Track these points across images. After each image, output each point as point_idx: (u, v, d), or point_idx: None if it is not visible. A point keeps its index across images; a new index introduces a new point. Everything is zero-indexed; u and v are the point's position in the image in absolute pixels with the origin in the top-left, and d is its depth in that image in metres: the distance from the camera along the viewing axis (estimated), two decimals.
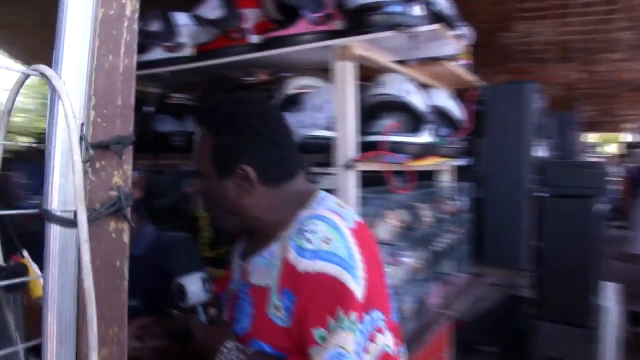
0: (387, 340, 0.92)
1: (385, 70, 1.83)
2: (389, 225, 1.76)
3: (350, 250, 0.91)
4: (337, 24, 1.72)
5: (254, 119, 1.01)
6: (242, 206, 1.02)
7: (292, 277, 0.92)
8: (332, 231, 0.92)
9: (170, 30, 2.08)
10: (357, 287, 0.89)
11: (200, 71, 2.02)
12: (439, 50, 1.87)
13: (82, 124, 0.64)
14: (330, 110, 1.66)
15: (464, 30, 2.16)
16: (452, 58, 1.99)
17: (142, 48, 2.18)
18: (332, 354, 0.86)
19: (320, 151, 1.68)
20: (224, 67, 1.95)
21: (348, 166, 1.58)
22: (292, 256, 0.92)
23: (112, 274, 0.69)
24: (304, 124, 1.65)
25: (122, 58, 0.70)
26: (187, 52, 2.06)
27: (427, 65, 1.99)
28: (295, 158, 1.07)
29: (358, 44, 1.60)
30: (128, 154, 0.71)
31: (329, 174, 1.63)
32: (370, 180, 1.79)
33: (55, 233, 0.63)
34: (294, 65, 1.84)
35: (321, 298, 0.89)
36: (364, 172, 1.68)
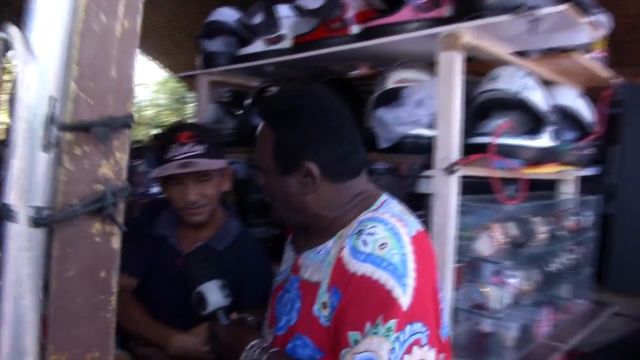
0: (427, 356, 0.88)
1: (499, 63, 1.61)
2: (493, 239, 1.55)
3: (404, 258, 0.89)
4: (445, 11, 1.54)
5: (317, 112, 0.98)
6: (304, 203, 1.00)
7: (341, 277, 0.91)
8: (390, 236, 0.90)
9: (272, 23, 2.04)
10: (403, 296, 0.86)
11: (299, 64, 1.95)
12: (568, 40, 1.60)
13: (54, 99, 0.52)
14: (432, 106, 1.50)
15: (600, 17, 1.83)
16: (583, 49, 1.70)
17: (244, 41, 2.17)
18: (362, 357, 0.85)
19: (419, 152, 1.52)
20: (323, 59, 1.86)
21: (449, 170, 1.40)
22: (346, 256, 0.92)
23: (93, 287, 0.58)
24: (402, 121, 1.50)
25: (122, 19, 0.57)
26: (287, 44, 2.01)
27: (551, 58, 1.71)
28: (360, 154, 1.03)
29: (468, 32, 1.41)
30: (123, 139, 0.59)
31: (426, 176, 1.47)
32: (473, 188, 1.61)
33: (12, 232, 0.51)
34: (396, 56, 1.69)
35: (363, 302, 0.88)
36: (467, 177, 1.49)
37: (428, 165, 1.49)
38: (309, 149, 0.96)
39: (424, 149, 1.52)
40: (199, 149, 1.39)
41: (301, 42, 1.87)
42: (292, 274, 1.07)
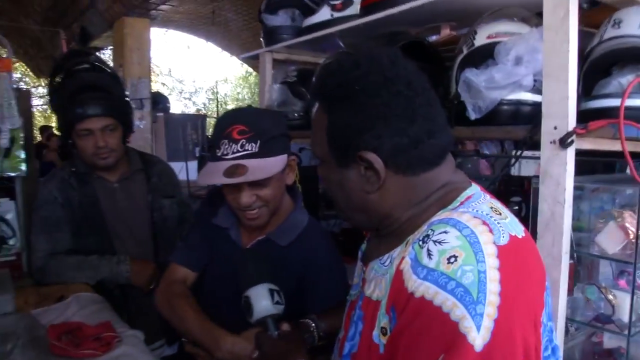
0: None
1: (624, 3, 1.25)
2: (621, 232, 1.21)
3: (482, 277, 0.65)
4: None
5: (378, 86, 0.75)
6: (368, 201, 0.80)
7: (399, 295, 0.70)
8: (464, 246, 0.67)
9: None
10: (475, 331, 0.62)
11: (370, 30, 1.69)
12: None
13: None
14: (536, 63, 1.18)
15: None
16: None
17: (308, 13, 1.97)
18: None
19: (520, 122, 1.22)
20: (397, 21, 1.59)
21: (563, 142, 1.09)
22: (406, 269, 0.70)
23: None
24: (497, 84, 1.20)
25: None
26: (355, 9, 1.77)
27: None
28: (442, 138, 0.79)
29: None
30: None
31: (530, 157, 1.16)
32: (590, 167, 1.28)
33: None
34: (486, 7, 1.38)
35: (421, 335, 0.66)
36: (583, 153, 1.17)
37: (531, 139, 1.18)
38: (368, 135, 0.76)
39: (526, 117, 1.22)
40: (251, 147, 1.18)
41: (370, 3, 1.62)
42: (361, 288, 0.88)
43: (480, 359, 0.62)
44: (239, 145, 1.17)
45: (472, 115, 1.25)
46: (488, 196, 0.79)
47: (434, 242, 0.68)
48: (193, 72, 26.82)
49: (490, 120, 1.26)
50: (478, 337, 0.62)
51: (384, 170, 0.76)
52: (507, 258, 0.67)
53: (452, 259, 0.66)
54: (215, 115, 11.59)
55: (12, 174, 1.95)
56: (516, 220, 0.76)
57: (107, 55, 7.16)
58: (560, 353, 0.82)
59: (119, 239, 1.96)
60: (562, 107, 1.10)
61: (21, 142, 1.93)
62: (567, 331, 1.26)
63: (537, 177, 2.01)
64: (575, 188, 1.15)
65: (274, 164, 1.19)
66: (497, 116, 1.25)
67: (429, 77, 1.49)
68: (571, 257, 1.18)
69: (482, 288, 0.64)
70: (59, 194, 1.88)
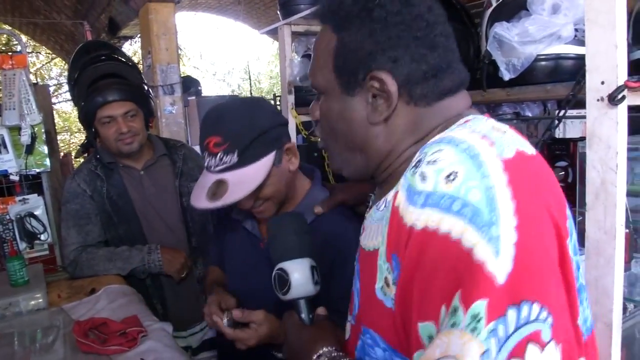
0: None
1: None
2: None
3: (491, 194, 0.53)
4: None
5: (400, 5, 0.67)
6: (371, 136, 0.71)
7: (399, 235, 0.59)
8: (464, 161, 0.56)
9: None
10: (495, 258, 0.50)
11: None
12: None
13: None
14: (577, 11, 1.04)
15: None
16: None
17: None
18: None
19: (560, 79, 1.08)
20: None
21: (611, 99, 0.94)
22: (402, 203, 0.60)
23: None
24: (532, 38, 1.06)
25: None
26: None
27: None
28: (459, 69, 0.71)
29: None
30: None
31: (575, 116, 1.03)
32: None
33: None
34: None
35: (431, 272, 0.54)
36: (636, 109, 1.03)
37: (574, 96, 1.05)
38: (384, 54, 0.67)
39: (567, 73, 1.08)
40: (230, 159, 1.10)
41: None
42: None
43: (505, 294, 0.50)
44: (217, 158, 1.10)
45: (506, 76, 1.12)
46: (491, 120, 0.68)
47: (427, 162, 0.58)
48: (225, 53, 26.94)
49: (526, 79, 1.13)
50: (498, 265, 0.50)
51: (396, 96, 0.67)
52: (515, 172, 0.56)
53: (452, 176, 0.55)
54: (249, 95, 11.60)
55: (38, 170, 1.95)
56: (525, 141, 0.63)
57: (137, 43, 7.22)
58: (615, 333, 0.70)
59: (150, 227, 1.95)
60: (609, 59, 0.95)
61: (43, 138, 1.93)
62: (625, 308, 1.13)
63: (582, 139, 1.86)
64: (629, 150, 1.01)
65: (257, 171, 1.11)
66: (534, 74, 1.12)
67: (456, 37, 1.36)
68: (626, 226, 1.05)
69: (493, 206, 0.53)
70: (87, 186, 1.88)
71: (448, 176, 0.55)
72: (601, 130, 0.98)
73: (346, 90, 0.70)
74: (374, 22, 0.67)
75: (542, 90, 1.12)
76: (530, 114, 2.76)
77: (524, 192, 0.54)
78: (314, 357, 0.78)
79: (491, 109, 2.96)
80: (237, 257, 1.34)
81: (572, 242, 0.60)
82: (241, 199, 1.11)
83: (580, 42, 1.07)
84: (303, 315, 0.90)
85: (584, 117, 1.02)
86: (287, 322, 0.91)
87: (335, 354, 0.78)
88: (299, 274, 0.89)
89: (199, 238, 2.02)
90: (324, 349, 0.79)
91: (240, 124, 1.11)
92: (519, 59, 1.09)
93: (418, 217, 0.56)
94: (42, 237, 1.94)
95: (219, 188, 1.10)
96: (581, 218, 1.59)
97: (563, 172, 1.77)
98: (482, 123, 0.65)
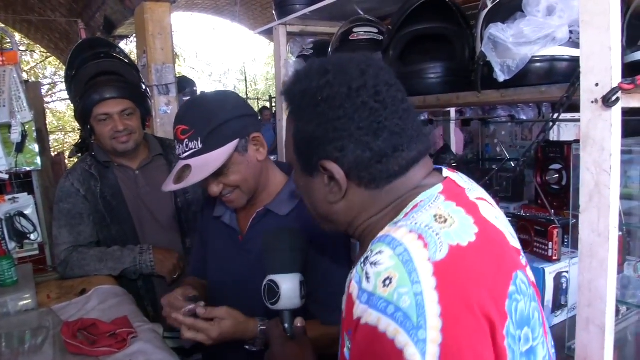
0: None
1: None
2: None
3: (420, 300, 0.60)
4: None
5: (342, 97, 0.72)
6: (332, 212, 0.79)
7: (350, 320, 0.67)
8: (398, 267, 0.63)
9: None
10: (420, 358, 0.58)
11: None
12: None
13: None
14: (572, 12, 1.03)
15: None
16: None
17: None
18: None
19: (554, 80, 1.08)
20: None
21: (606, 101, 0.94)
22: (353, 293, 0.67)
23: None
24: (527, 39, 1.06)
25: None
26: None
27: None
28: (411, 149, 0.75)
29: None
30: None
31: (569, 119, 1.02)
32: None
33: None
34: None
35: None
36: (630, 112, 1.04)
37: (570, 99, 1.04)
38: (331, 146, 0.74)
39: (562, 75, 1.08)
40: (194, 145, 1.17)
41: None
42: None
43: None
44: (184, 145, 1.18)
45: (501, 77, 1.11)
46: (442, 198, 0.72)
47: (371, 264, 0.65)
48: (221, 54, 26.88)
49: (521, 81, 1.12)
50: None
51: (345, 182, 0.74)
52: (444, 275, 0.62)
53: (387, 282, 0.62)
54: (245, 96, 11.58)
55: (28, 169, 1.93)
56: (469, 221, 0.69)
57: (133, 43, 7.19)
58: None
59: (143, 227, 1.93)
60: (603, 60, 0.95)
61: (34, 136, 1.91)
62: (617, 311, 1.13)
63: (577, 141, 1.86)
64: (623, 152, 1.01)
65: (218, 156, 1.17)
66: (528, 76, 1.11)
67: (451, 38, 1.35)
68: (619, 229, 1.05)
69: (421, 312, 0.60)
70: (81, 186, 1.86)
71: (384, 281, 0.62)
72: (595, 132, 0.97)
73: (306, 171, 0.79)
74: (320, 116, 0.73)
75: (537, 92, 1.11)
76: (524, 117, 2.76)
77: (449, 296, 0.61)
78: None
79: (486, 112, 2.96)
80: (216, 250, 1.38)
81: (512, 321, 0.65)
82: (207, 184, 1.20)
83: (575, 44, 1.06)
84: (286, 325, 0.98)
85: (578, 120, 1.02)
86: (272, 332, 0.98)
87: None
88: (289, 288, 0.98)
89: (193, 239, 2.01)
90: None
91: (206, 113, 1.19)
92: (513, 60, 1.09)
93: (363, 313, 0.63)
94: (32, 236, 1.91)
95: (184, 172, 1.18)
96: (575, 221, 1.59)
97: (557, 175, 1.77)
98: (426, 213, 0.69)
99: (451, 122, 2.69)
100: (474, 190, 0.78)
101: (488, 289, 0.64)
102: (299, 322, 0.99)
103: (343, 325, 0.70)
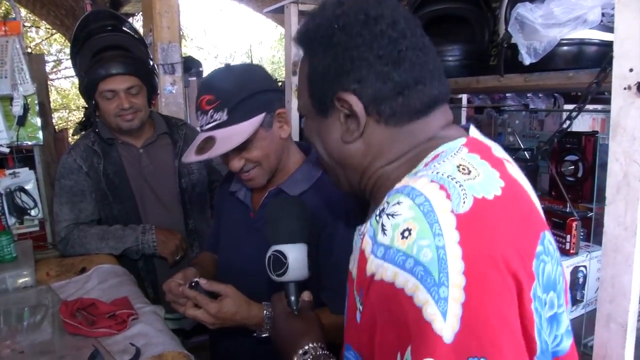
0: None
1: None
2: None
3: (442, 254, 0.55)
4: None
5: (359, 24, 0.68)
6: (348, 155, 0.73)
7: (363, 278, 0.62)
8: (418, 218, 0.58)
9: None
10: (441, 319, 0.54)
11: None
12: None
13: None
14: None
15: None
16: None
17: None
18: None
19: (584, 65, 1.03)
20: None
21: None
22: (367, 248, 0.62)
23: None
24: (557, 20, 1.00)
25: None
26: None
27: None
28: (433, 86, 0.71)
29: None
30: None
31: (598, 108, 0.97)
32: None
33: None
34: None
35: (389, 320, 0.58)
36: None
37: (598, 84, 0.99)
38: (348, 77, 0.69)
39: (590, 60, 1.03)
40: (219, 116, 1.12)
41: None
42: None
43: (452, 352, 0.53)
44: (208, 116, 1.13)
45: (527, 60, 1.06)
46: (466, 150, 0.67)
47: (387, 215, 0.60)
48: (228, 36, 26.71)
49: (546, 65, 1.07)
50: (445, 326, 0.53)
51: (364, 115, 0.69)
52: (468, 229, 0.57)
53: (406, 233, 0.57)
54: None
55: (29, 143, 1.88)
56: (494, 175, 0.64)
57: (139, 21, 7.09)
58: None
59: (146, 206, 1.89)
60: (639, 45, 0.90)
61: (36, 109, 1.86)
62: None
63: (595, 132, 1.80)
64: None
65: (244, 129, 1.12)
66: (554, 60, 1.06)
67: (470, 19, 1.28)
68: None
69: (442, 267, 0.55)
70: (83, 162, 1.82)
71: (402, 232, 0.57)
72: (626, 120, 0.92)
73: (320, 112, 0.74)
74: (336, 46, 0.69)
75: (564, 77, 1.05)
76: (533, 106, 2.69)
77: (474, 251, 0.56)
78: (300, 352, 0.83)
79: (495, 101, 2.90)
80: (228, 226, 1.35)
81: (539, 283, 0.61)
82: (229, 158, 1.16)
83: (606, 28, 1.01)
84: (292, 298, 0.93)
85: (595, 110, 0.97)
86: (276, 307, 0.94)
87: (320, 351, 0.83)
88: (297, 258, 0.92)
89: (196, 221, 1.97)
90: (310, 344, 0.83)
91: (232, 84, 1.14)
92: (541, 43, 1.03)
93: (377, 268, 0.59)
94: (33, 212, 1.87)
95: (207, 144, 1.12)
96: (591, 214, 1.54)
97: (573, 167, 1.72)
98: (448, 163, 0.64)
99: (462, 109, 2.63)
100: (499, 151, 0.73)
101: (515, 247, 0.60)
102: (306, 295, 0.94)
103: (355, 286, 0.66)
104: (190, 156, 1.14)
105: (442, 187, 0.60)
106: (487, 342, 0.54)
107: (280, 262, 0.92)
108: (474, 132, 0.73)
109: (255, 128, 1.12)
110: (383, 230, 0.60)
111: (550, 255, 0.64)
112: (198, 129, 1.22)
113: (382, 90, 0.68)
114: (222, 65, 1.22)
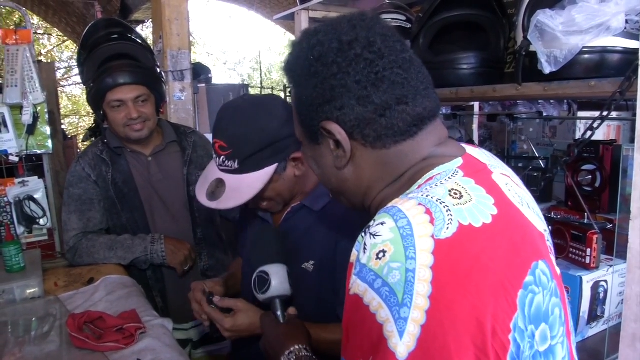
0: None
1: None
2: None
3: (410, 277, 0.57)
4: None
5: (334, 52, 0.69)
6: (343, 180, 0.75)
7: (347, 286, 0.66)
8: (396, 241, 0.59)
9: None
10: (397, 337, 0.56)
11: None
12: None
13: None
14: (629, 0, 0.94)
15: None
16: None
17: None
18: None
19: (605, 74, 0.99)
20: None
21: None
22: (353, 259, 0.65)
23: None
24: (579, 27, 0.97)
25: None
26: None
27: None
28: (417, 103, 0.69)
29: None
30: None
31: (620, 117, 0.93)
32: None
33: None
34: None
35: (358, 330, 0.62)
36: None
37: (623, 94, 0.95)
38: (330, 105, 0.70)
39: (613, 69, 0.99)
40: (231, 164, 1.12)
41: None
42: None
43: None
44: (221, 159, 1.13)
45: (547, 69, 1.02)
46: (461, 173, 0.67)
47: (370, 234, 0.62)
48: (236, 42, 26.83)
49: (566, 73, 1.03)
50: (400, 344, 0.56)
51: (348, 142, 0.71)
52: (446, 254, 0.58)
53: (381, 254, 0.59)
54: (258, 85, 11.50)
55: (39, 152, 1.87)
56: (487, 202, 0.64)
57: (149, 28, 7.13)
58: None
59: (154, 215, 1.87)
60: None
61: (46, 118, 1.85)
62: None
63: (613, 140, 1.75)
64: None
65: (255, 180, 1.11)
66: (575, 68, 1.02)
67: (486, 26, 1.25)
68: None
69: (408, 289, 0.57)
70: (92, 171, 1.81)
71: (378, 254, 0.59)
72: None
73: (312, 140, 0.76)
74: (314, 76, 0.70)
75: (586, 86, 1.02)
76: (546, 114, 2.64)
77: (445, 278, 0.57)
78: (286, 353, 0.91)
79: (506, 108, 2.85)
80: (250, 242, 1.32)
81: (525, 314, 0.60)
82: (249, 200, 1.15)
83: (630, 35, 0.97)
84: (279, 313, 1.03)
85: (615, 118, 0.93)
86: (264, 319, 1.05)
87: (304, 353, 0.91)
88: (278, 275, 1.05)
89: (204, 229, 1.95)
90: (295, 346, 0.92)
91: (245, 131, 1.10)
92: (561, 51, 0.99)
93: (353, 283, 0.62)
94: (42, 221, 1.86)
95: (218, 188, 1.13)
96: (611, 225, 1.50)
97: (590, 176, 1.68)
98: (441, 186, 0.64)
99: (475, 117, 2.60)
100: (496, 167, 0.72)
101: (497, 277, 0.59)
102: (291, 310, 1.03)
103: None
104: (202, 197, 1.15)
105: (427, 211, 0.60)
106: None
107: (263, 280, 1.04)
108: (468, 149, 0.73)
109: (267, 179, 1.11)
110: (364, 248, 0.62)
111: (542, 285, 0.63)
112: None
113: (364, 114, 0.68)
114: (237, 98, 1.18)
